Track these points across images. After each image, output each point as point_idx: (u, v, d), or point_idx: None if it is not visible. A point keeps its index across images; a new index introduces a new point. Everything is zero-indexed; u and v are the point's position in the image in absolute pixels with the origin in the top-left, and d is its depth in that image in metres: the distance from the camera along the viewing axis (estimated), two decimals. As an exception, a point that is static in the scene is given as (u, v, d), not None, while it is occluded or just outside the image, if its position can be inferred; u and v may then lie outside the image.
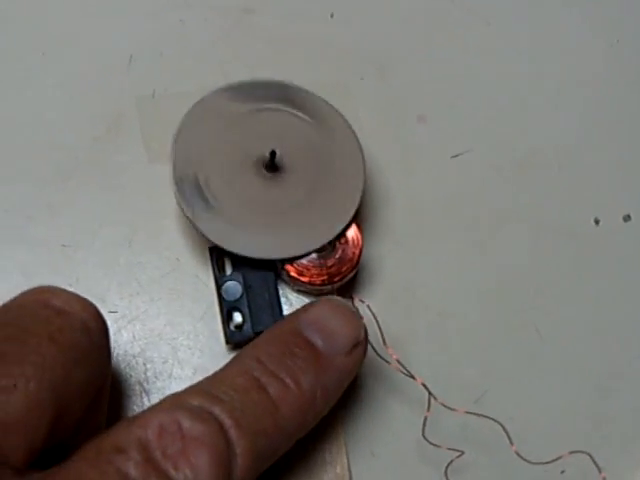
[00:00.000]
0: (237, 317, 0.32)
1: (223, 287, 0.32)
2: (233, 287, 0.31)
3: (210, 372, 0.27)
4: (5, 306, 0.25)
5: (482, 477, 0.32)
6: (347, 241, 0.32)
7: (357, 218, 0.32)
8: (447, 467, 0.30)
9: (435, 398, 0.30)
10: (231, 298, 0.31)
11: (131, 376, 0.32)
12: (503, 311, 0.35)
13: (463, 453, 0.30)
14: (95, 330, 0.25)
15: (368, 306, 0.30)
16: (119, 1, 0.38)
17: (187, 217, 0.31)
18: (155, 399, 0.31)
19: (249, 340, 0.29)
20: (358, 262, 0.32)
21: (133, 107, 0.36)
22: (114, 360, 0.31)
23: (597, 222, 0.37)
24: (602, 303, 0.36)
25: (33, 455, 0.23)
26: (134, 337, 0.33)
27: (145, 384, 0.32)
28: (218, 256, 0.32)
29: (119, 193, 0.35)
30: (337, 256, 0.32)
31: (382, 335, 0.30)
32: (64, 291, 0.26)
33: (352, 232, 0.32)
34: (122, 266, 0.34)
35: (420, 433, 0.30)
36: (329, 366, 0.27)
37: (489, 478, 0.33)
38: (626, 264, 0.37)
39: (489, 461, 0.32)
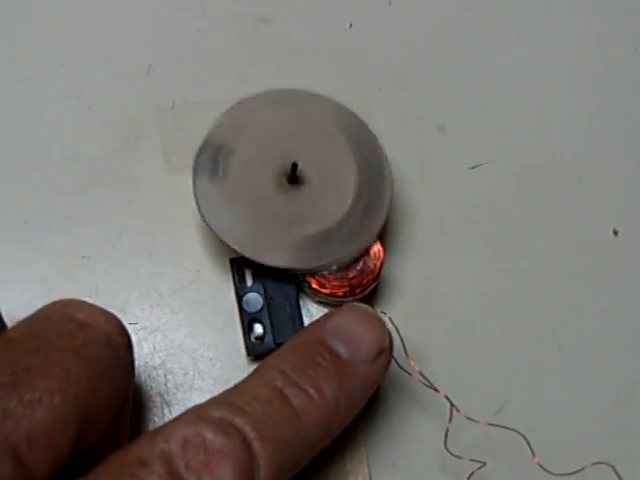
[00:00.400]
0: (258, 328, 0.32)
1: (244, 298, 0.31)
2: (254, 298, 0.31)
3: (231, 383, 0.26)
4: (29, 319, 0.25)
5: (504, 488, 0.32)
6: (368, 253, 0.32)
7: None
8: (469, 478, 0.30)
9: (458, 410, 0.30)
10: (252, 310, 0.31)
11: (152, 388, 0.32)
12: (523, 322, 0.35)
13: (485, 464, 0.30)
14: (119, 344, 0.25)
15: (389, 318, 0.30)
16: (137, 11, 0.38)
17: (207, 225, 0.31)
18: (176, 411, 0.31)
19: (270, 352, 0.29)
20: (379, 274, 0.32)
21: (152, 117, 0.36)
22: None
23: (616, 233, 0.37)
24: (621, 313, 0.35)
25: (57, 469, 0.22)
26: (154, 348, 0.33)
27: (166, 395, 0.32)
28: (239, 267, 0.32)
29: (139, 204, 0.35)
30: (358, 268, 0.32)
31: (404, 347, 0.29)
32: (88, 304, 0.26)
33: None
34: (142, 277, 0.34)
35: (441, 444, 0.30)
36: (353, 375, 0.27)
37: (511, 489, 0.32)
38: (645, 274, 0.36)
39: (511, 472, 0.32)
